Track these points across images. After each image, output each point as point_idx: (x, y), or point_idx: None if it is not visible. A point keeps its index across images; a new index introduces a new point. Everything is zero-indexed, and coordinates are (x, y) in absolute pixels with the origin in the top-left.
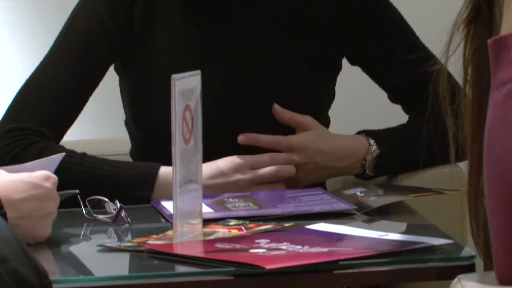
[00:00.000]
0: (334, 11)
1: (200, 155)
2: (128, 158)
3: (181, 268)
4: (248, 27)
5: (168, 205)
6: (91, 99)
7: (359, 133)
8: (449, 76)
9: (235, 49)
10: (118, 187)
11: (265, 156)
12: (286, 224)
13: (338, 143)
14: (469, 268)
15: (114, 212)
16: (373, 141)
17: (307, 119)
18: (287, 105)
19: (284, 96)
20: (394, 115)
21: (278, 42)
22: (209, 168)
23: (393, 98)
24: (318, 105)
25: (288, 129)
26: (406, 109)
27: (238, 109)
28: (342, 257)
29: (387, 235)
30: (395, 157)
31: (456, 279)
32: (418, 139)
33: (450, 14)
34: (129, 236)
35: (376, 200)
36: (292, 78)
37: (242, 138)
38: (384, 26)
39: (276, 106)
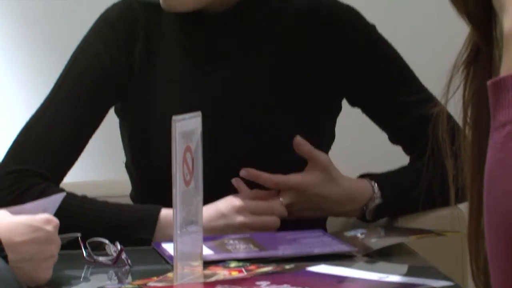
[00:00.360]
0: (330, 48)
1: (200, 197)
2: (129, 200)
3: None
4: (248, 74)
5: (168, 247)
6: (91, 141)
7: (363, 176)
8: (449, 117)
9: (235, 93)
10: (119, 229)
11: (263, 204)
12: (287, 266)
13: (341, 189)
14: None
15: (115, 254)
16: (376, 186)
17: (321, 157)
18: (287, 132)
19: (283, 121)
20: (395, 156)
21: (278, 87)
22: (209, 210)
23: (394, 139)
24: (318, 132)
25: (289, 157)
26: (406, 151)
27: (237, 138)
28: None
29: (388, 277)
30: (396, 204)
31: None
32: (418, 182)
33: (450, 55)
34: (130, 278)
35: (377, 241)
36: (292, 107)
37: (244, 173)
38: (383, 67)
39: (298, 138)
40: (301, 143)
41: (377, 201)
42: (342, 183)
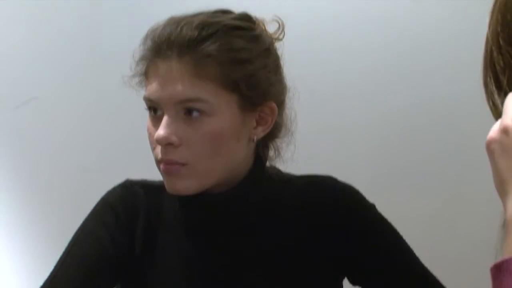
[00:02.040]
0: (330, 230)
1: None
2: None
3: None
4: (247, 254)
5: None
6: None
7: None
8: None
9: (235, 274)
10: None
11: None
12: None
13: None
14: None
15: None
16: None
17: None
18: None
19: None
20: None
21: (278, 268)
22: None
23: None
24: None
25: None
26: None
27: None
28: None
29: None
30: None
31: None
32: None
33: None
34: None
35: None
36: None
37: None
38: (383, 247)
39: None
40: None
41: None
42: None
